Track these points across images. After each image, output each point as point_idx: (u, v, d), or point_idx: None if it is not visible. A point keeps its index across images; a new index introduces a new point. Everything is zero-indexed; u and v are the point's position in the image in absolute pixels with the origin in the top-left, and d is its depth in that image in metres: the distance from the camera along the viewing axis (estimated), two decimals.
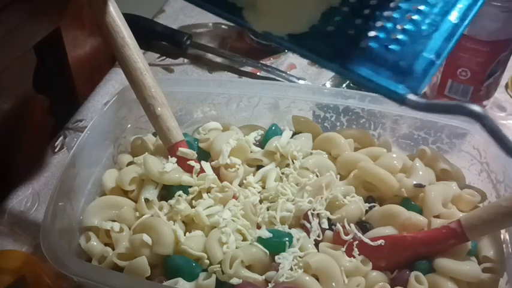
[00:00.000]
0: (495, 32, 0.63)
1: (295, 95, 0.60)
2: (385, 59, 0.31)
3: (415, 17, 0.33)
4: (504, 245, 0.49)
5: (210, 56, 0.84)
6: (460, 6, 0.33)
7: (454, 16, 0.33)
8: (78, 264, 0.45)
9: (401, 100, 0.31)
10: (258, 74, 0.81)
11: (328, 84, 0.76)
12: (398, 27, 0.33)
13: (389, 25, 0.33)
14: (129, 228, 0.50)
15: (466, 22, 0.33)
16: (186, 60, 0.84)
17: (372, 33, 0.32)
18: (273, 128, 0.59)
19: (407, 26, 0.32)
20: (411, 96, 0.30)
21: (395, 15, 0.33)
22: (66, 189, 0.50)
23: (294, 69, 0.82)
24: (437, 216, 0.50)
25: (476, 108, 0.28)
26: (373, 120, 0.59)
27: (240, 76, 0.81)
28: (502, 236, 0.50)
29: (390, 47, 0.32)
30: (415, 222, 0.49)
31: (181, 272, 0.47)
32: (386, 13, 0.33)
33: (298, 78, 0.77)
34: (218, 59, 0.84)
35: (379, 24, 0.33)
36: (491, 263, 0.48)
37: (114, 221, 0.51)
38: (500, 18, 0.62)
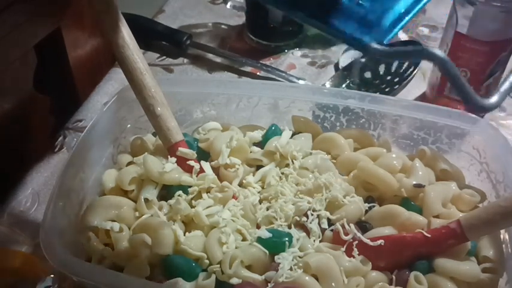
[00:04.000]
0: (495, 32, 0.63)
1: (295, 95, 0.60)
2: (355, 12, 0.33)
3: None
4: (504, 245, 0.49)
5: (210, 56, 0.84)
6: None
7: None
8: (78, 264, 0.45)
9: (365, 47, 0.32)
10: (257, 74, 0.81)
11: (327, 84, 0.76)
12: None
13: None
14: (129, 228, 0.50)
15: None
16: (186, 60, 0.84)
17: None
18: (273, 128, 0.59)
19: None
20: (374, 44, 0.32)
21: None
22: (66, 189, 0.50)
23: (294, 69, 0.82)
24: (437, 216, 0.50)
25: (437, 51, 0.30)
26: (372, 121, 0.59)
27: (240, 76, 0.81)
28: (501, 236, 0.50)
29: (360, 2, 0.33)
30: (414, 222, 0.49)
31: (181, 272, 0.47)
32: None
33: (298, 78, 0.77)
34: (218, 59, 0.84)
35: None
36: (491, 263, 0.48)
37: (114, 221, 0.51)
38: (500, 18, 0.62)
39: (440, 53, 0.30)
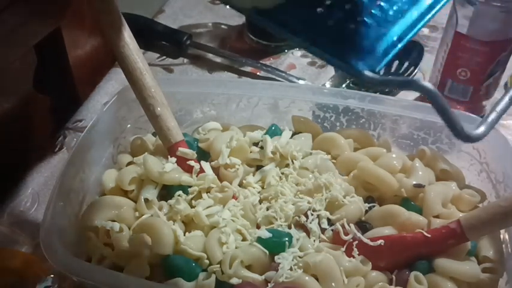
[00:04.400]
0: (495, 32, 0.63)
1: (295, 95, 0.60)
2: (350, 37, 0.33)
3: (383, 3, 0.35)
4: (504, 245, 0.49)
5: (210, 56, 0.84)
6: None
7: (421, 7, 0.35)
8: (78, 264, 0.45)
9: (358, 74, 0.33)
10: (257, 74, 0.81)
11: (327, 84, 0.76)
12: (366, 11, 0.34)
13: (356, 8, 0.34)
14: (129, 228, 0.50)
15: (432, 12, 0.35)
16: (186, 60, 0.84)
17: (339, 14, 0.34)
18: (273, 128, 0.59)
19: (374, 11, 0.34)
20: (368, 72, 0.32)
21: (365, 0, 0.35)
22: (66, 189, 0.50)
23: (294, 69, 0.82)
24: (437, 216, 0.50)
25: (426, 84, 0.30)
26: (372, 121, 0.59)
27: (240, 76, 0.81)
28: (501, 236, 0.50)
29: (356, 28, 0.33)
30: (414, 222, 0.49)
31: (181, 272, 0.47)
32: None
33: (298, 78, 0.77)
34: (218, 59, 0.84)
35: (347, 6, 0.34)
36: (491, 263, 0.48)
37: (114, 221, 0.51)
38: (499, 18, 0.62)
39: (429, 85, 0.31)
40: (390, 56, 0.34)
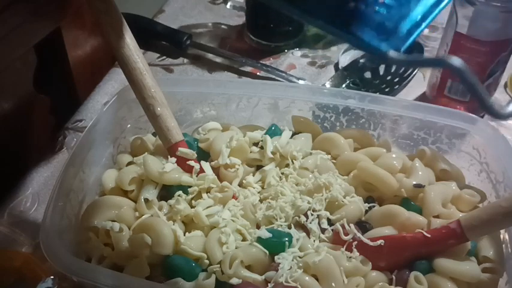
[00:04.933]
0: (495, 32, 0.63)
1: (295, 95, 0.60)
2: (372, 19, 0.34)
3: None
4: (504, 245, 0.49)
5: (210, 56, 0.84)
6: None
7: None
8: (78, 264, 0.45)
9: (382, 55, 0.32)
10: (257, 74, 0.81)
11: (327, 84, 0.76)
12: None
13: None
14: (129, 228, 0.50)
15: None
16: (186, 60, 0.84)
17: None
18: (273, 128, 0.59)
19: None
20: (392, 53, 0.32)
21: None
22: (66, 189, 0.50)
23: (294, 69, 0.82)
24: (437, 217, 0.50)
25: (455, 61, 0.30)
26: (372, 121, 0.59)
27: (240, 76, 0.81)
28: (501, 236, 0.50)
29: (377, 9, 0.33)
30: (414, 223, 0.49)
31: (181, 272, 0.47)
32: None
33: (298, 78, 0.77)
34: (218, 59, 0.84)
35: None
36: (491, 263, 0.48)
37: (114, 221, 0.51)
38: (499, 18, 0.62)
39: (458, 62, 0.30)
40: (415, 35, 0.33)
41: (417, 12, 0.33)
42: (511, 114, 0.33)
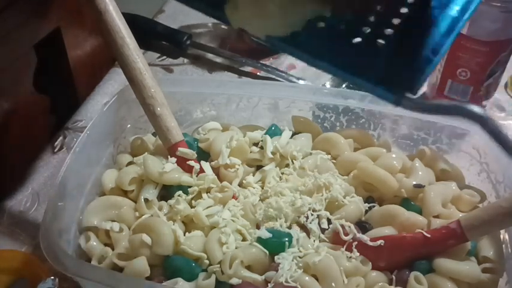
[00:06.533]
0: (495, 32, 0.63)
1: (295, 95, 0.60)
2: (379, 58, 0.31)
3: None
4: (504, 245, 0.49)
5: (210, 56, 0.84)
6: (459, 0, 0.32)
7: (453, 10, 0.32)
8: (78, 264, 0.45)
9: (397, 101, 0.30)
10: (257, 74, 0.81)
11: (328, 85, 0.76)
12: (394, 21, 0.32)
13: (380, 24, 0.32)
14: (129, 228, 0.50)
15: (465, 16, 0.32)
16: (186, 60, 0.84)
17: (364, 30, 0.32)
18: (273, 128, 0.59)
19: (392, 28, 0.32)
20: (408, 97, 0.30)
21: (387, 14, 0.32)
22: (66, 189, 0.50)
23: (294, 69, 0.82)
24: (437, 217, 0.50)
25: (476, 109, 0.28)
26: (372, 121, 0.59)
27: (240, 76, 0.81)
28: (501, 236, 0.50)
29: (383, 45, 0.31)
30: (414, 223, 0.49)
31: (181, 272, 0.47)
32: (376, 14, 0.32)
33: (298, 78, 0.77)
34: (218, 59, 0.84)
35: (371, 20, 0.32)
36: (491, 263, 0.48)
37: (113, 221, 0.51)
38: (500, 18, 0.62)
39: (480, 110, 0.28)
40: (427, 73, 0.30)
41: (426, 47, 0.31)
42: None
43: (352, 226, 0.49)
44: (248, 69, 0.82)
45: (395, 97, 0.30)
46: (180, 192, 0.52)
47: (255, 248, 0.47)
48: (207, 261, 0.47)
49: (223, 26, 0.91)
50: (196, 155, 0.55)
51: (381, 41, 0.31)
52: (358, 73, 0.31)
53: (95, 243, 0.50)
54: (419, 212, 0.51)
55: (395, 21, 0.32)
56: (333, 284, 0.45)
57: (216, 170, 0.55)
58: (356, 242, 0.48)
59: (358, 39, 0.31)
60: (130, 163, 0.56)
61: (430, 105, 0.30)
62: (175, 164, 0.53)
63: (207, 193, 0.53)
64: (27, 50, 0.65)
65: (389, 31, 0.31)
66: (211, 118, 0.61)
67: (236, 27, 0.34)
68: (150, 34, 0.84)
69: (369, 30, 0.31)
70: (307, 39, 0.32)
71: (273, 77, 0.78)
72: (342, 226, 0.49)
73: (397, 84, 0.30)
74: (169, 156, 0.54)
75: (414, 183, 0.52)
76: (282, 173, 0.55)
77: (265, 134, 0.58)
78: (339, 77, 0.33)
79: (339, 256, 0.47)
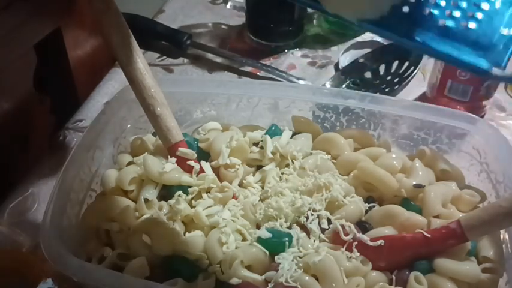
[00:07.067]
0: None
1: (295, 95, 0.60)
2: (464, 35, 0.33)
3: None
4: (504, 245, 0.49)
5: (210, 56, 0.84)
6: None
7: None
8: (78, 264, 0.45)
9: (485, 73, 0.32)
10: (258, 74, 0.81)
11: (327, 85, 0.76)
12: (474, 5, 0.34)
13: (464, 4, 0.34)
14: (129, 228, 0.50)
15: None
16: (186, 60, 0.84)
17: (447, 12, 0.34)
18: (273, 128, 0.59)
19: (483, 4, 0.34)
20: (496, 70, 0.32)
21: None
22: (66, 189, 0.50)
23: (294, 69, 0.82)
24: (437, 217, 0.50)
25: None
26: (372, 121, 0.59)
27: (240, 76, 0.81)
28: (501, 236, 0.50)
29: (467, 24, 0.33)
30: (414, 223, 0.49)
31: (181, 272, 0.47)
32: None
33: (298, 79, 0.77)
34: (218, 59, 0.84)
35: (453, 3, 0.34)
36: (491, 263, 0.48)
37: (114, 221, 0.51)
38: None
39: None
40: None
41: (509, 22, 0.33)
42: None
43: (352, 226, 0.49)
44: (248, 69, 0.82)
45: (484, 71, 0.33)
46: (180, 192, 0.52)
47: (255, 248, 0.47)
48: (207, 261, 0.47)
49: (223, 26, 0.91)
50: (196, 155, 0.55)
51: (470, 23, 0.34)
52: (448, 50, 0.34)
53: (95, 243, 0.50)
54: (419, 212, 0.51)
55: (485, 6, 0.34)
56: (333, 284, 0.45)
57: (216, 170, 0.55)
58: (356, 242, 0.48)
59: (443, 22, 0.34)
60: (130, 163, 0.56)
61: None
62: (175, 164, 0.53)
63: (207, 193, 0.53)
64: (27, 50, 0.65)
65: (478, 14, 0.34)
66: (211, 118, 0.61)
67: (332, 12, 0.36)
68: (150, 34, 0.84)
69: (457, 14, 0.34)
70: (394, 22, 0.35)
71: (273, 77, 0.78)
72: (342, 226, 0.49)
73: (484, 59, 0.33)
74: (169, 156, 0.54)
75: (414, 183, 0.52)
76: (282, 173, 0.55)
77: (265, 134, 0.58)
78: (427, 53, 0.35)
79: (339, 256, 0.47)
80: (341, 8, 0.36)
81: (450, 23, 0.34)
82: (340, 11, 0.36)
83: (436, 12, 0.34)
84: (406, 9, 0.35)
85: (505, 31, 0.33)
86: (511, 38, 0.33)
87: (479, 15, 0.34)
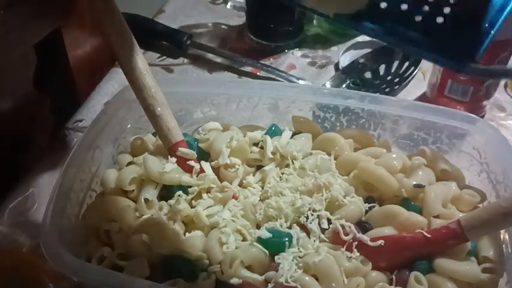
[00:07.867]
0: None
1: (295, 95, 0.60)
2: (439, 31, 0.34)
3: None
4: (504, 245, 0.49)
5: (210, 56, 0.84)
6: None
7: None
8: (78, 264, 0.45)
9: (460, 68, 0.33)
10: (258, 74, 0.81)
11: (328, 85, 0.76)
12: (451, 0, 0.35)
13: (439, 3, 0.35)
14: (129, 228, 0.50)
15: None
16: (186, 60, 0.84)
17: (424, 9, 0.35)
18: (273, 128, 0.59)
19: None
20: (472, 64, 0.34)
21: None
22: (66, 189, 0.50)
23: (294, 69, 0.82)
24: (437, 217, 0.50)
25: None
26: (373, 121, 0.59)
27: (240, 76, 0.81)
28: (501, 236, 0.50)
29: (443, 20, 0.34)
30: (414, 223, 0.49)
31: (181, 272, 0.47)
32: None
33: (298, 79, 0.77)
34: (218, 59, 0.84)
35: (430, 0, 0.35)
36: (491, 263, 0.48)
37: (113, 221, 0.51)
38: None
39: None
40: (486, 43, 0.34)
41: (484, 19, 0.34)
42: None
43: (352, 226, 0.49)
44: (248, 69, 0.82)
45: (458, 65, 0.34)
46: (180, 192, 0.52)
47: (255, 248, 0.47)
48: (207, 261, 0.47)
49: (223, 26, 0.91)
50: (196, 155, 0.55)
51: (440, 19, 0.34)
52: (422, 46, 0.35)
53: (95, 243, 0.50)
54: (420, 212, 0.51)
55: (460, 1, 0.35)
56: (333, 284, 0.45)
57: (216, 170, 0.55)
58: (356, 242, 0.48)
59: (419, 18, 0.35)
60: (130, 163, 0.56)
61: (491, 70, 0.34)
62: (176, 164, 0.53)
63: (207, 193, 0.53)
64: (27, 50, 0.65)
65: (447, 10, 0.35)
66: (211, 118, 0.61)
67: (309, 6, 0.37)
68: (150, 34, 0.84)
69: (427, 9, 0.35)
70: (371, 17, 0.36)
71: (273, 77, 0.78)
72: (342, 226, 0.49)
73: (459, 54, 0.34)
74: (169, 156, 0.54)
75: (414, 183, 0.52)
76: (282, 173, 0.55)
77: (265, 134, 0.58)
78: (404, 50, 0.36)
79: (339, 256, 0.47)
80: (318, 2, 0.36)
81: (426, 19, 0.34)
82: (317, 6, 0.36)
83: (412, 8, 0.35)
84: (383, 5, 0.35)
85: (480, 25, 0.34)
86: (485, 32, 0.34)
87: (454, 11, 0.34)
